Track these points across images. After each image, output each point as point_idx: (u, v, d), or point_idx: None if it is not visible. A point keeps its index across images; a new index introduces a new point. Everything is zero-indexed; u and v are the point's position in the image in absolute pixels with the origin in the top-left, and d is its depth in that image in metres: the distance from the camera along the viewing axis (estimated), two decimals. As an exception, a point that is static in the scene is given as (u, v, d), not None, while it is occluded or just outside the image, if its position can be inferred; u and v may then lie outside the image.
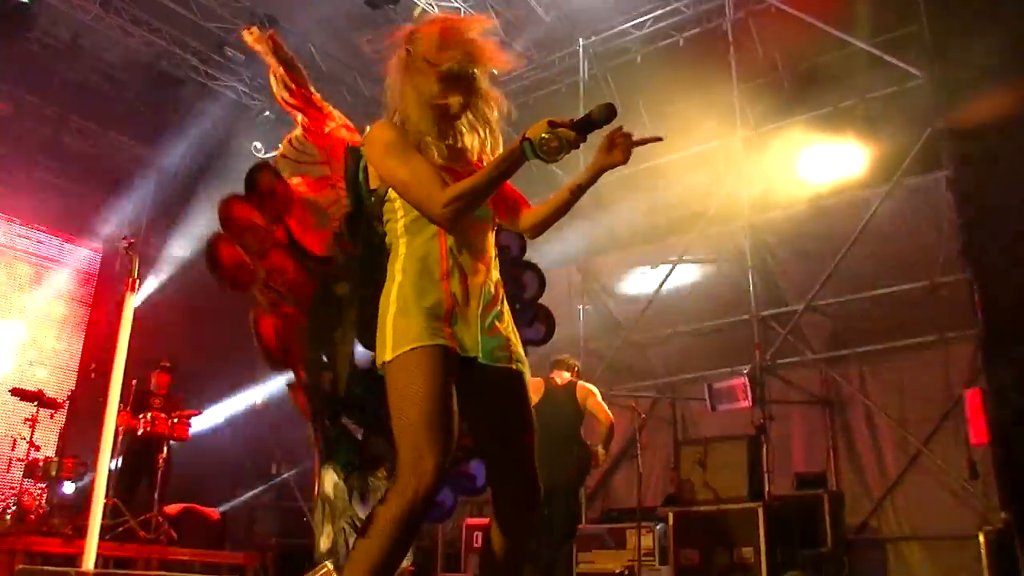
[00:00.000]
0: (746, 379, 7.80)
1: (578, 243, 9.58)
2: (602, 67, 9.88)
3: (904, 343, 7.71)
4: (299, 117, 2.71)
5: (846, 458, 8.00)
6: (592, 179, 2.43)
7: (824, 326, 8.40)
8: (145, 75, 10.06)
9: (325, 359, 2.50)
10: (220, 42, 9.71)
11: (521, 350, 2.38)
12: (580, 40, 9.73)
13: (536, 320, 2.97)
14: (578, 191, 2.45)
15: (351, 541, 2.41)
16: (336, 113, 2.75)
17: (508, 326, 2.37)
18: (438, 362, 2.15)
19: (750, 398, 7.74)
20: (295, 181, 2.62)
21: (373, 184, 2.39)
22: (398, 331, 2.18)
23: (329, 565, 3.83)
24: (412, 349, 2.15)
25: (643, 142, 2.40)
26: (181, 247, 10.54)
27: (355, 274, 2.53)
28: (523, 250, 3.01)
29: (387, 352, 2.18)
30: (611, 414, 6.09)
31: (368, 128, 2.40)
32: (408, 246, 2.30)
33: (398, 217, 2.32)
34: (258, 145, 10.29)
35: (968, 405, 6.76)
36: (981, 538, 5.42)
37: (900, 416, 7.71)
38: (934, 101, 7.50)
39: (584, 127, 2.22)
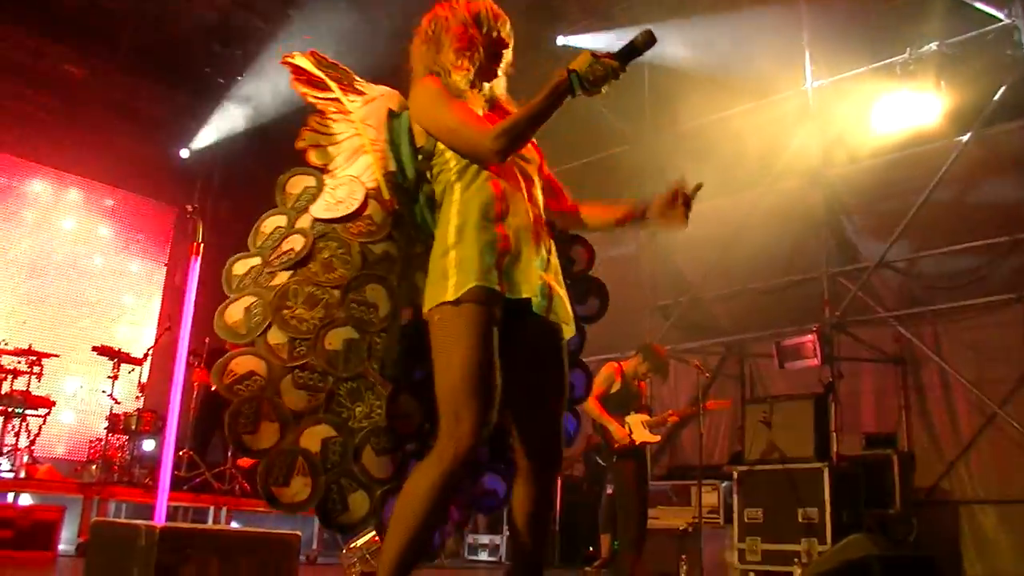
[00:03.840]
0: (815, 336, 7.67)
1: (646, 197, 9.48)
2: (663, 20, 9.64)
3: (981, 301, 7.45)
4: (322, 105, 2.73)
5: (918, 419, 7.80)
6: (639, 224, 2.55)
7: (897, 283, 8.17)
8: (210, 37, 10.19)
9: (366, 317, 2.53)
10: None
11: (569, 310, 2.38)
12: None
13: (589, 294, 2.92)
14: (622, 224, 2.55)
15: (350, 497, 2.45)
16: (376, 87, 2.75)
17: (557, 278, 2.38)
18: (486, 316, 2.17)
19: (819, 356, 7.62)
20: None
21: (420, 141, 2.42)
22: (454, 272, 2.20)
23: (373, 531, 3.92)
24: (466, 294, 2.16)
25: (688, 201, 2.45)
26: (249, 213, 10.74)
27: (401, 232, 2.57)
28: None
29: (447, 292, 2.19)
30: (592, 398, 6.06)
31: (412, 88, 2.43)
32: (462, 192, 2.31)
33: (451, 167, 2.34)
34: None
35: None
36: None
37: (976, 376, 7.47)
38: (1018, 46, 7.17)
39: (627, 55, 2.21)
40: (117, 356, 7.30)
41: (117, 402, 7.17)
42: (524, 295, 2.24)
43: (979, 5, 7.44)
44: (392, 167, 2.57)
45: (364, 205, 2.57)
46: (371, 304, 2.54)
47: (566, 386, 2.37)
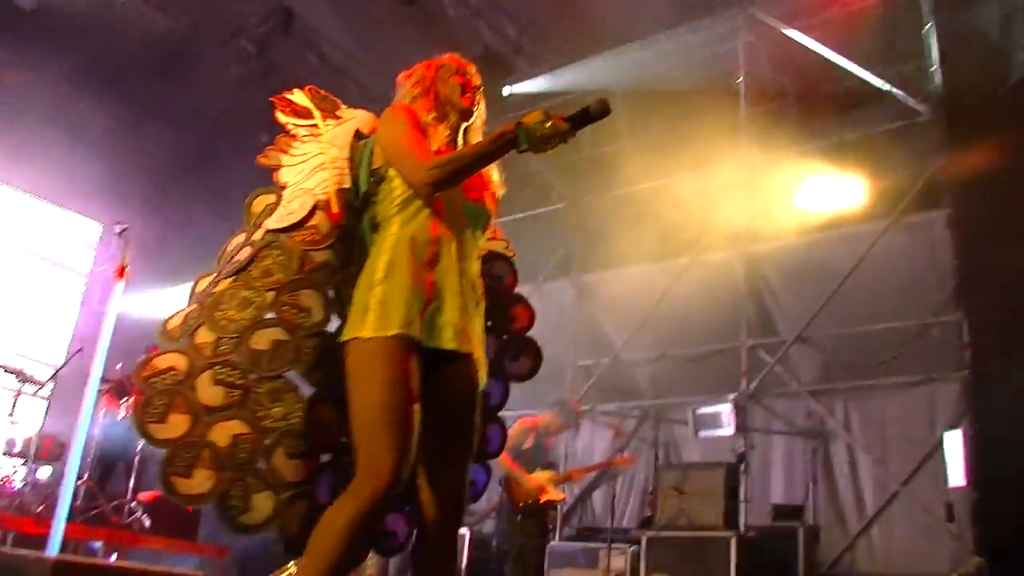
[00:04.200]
0: (732, 406, 7.79)
1: (573, 259, 9.59)
2: (612, 85, 9.86)
3: (891, 380, 7.69)
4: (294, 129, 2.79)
5: (825, 492, 7.96)
6: None
7: (813, 358, 8.39)
8: (162, 54, 10.06)
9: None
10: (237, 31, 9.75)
11: (483, 354, 2.43)
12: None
13: (523, 354, 2.99)
14: None
15: (254, 496, 2.43)
16: (353, 111, 2.84)
17: (478, 327, 2.42)
18: (405, 357, 2.19)
19: (734, 425, 7.73)
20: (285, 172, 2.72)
21: (377, 162, 2.48)
22: (376, 309, 2.22)
23: (292, 567, 3.83)
24: (384, 337, 2.18)
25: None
26: (181, 233, 10.52)
27: (344, 246, 2.61)
28: (515, 282, 3.03)
29: (364, 328, 2.21)
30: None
31: (383, 112, 2.59)
32: (400, 226, 2.35)
33: (395, 196, 2.38)
34: None
35: (949, 447, 6.76)
36: (953, 582, 5.42)
37: (882, 454, 7.69)
38: (938, 139, 7.51)
39: (580, 120, 2.25)
40: (20, 375, 7.01)
41: (15, 423, 6.88)
42: (444, 345, 2.25)
43: (901, 97, 7.79)
44: (347, 184, 2.63)
45: (311, 214, 2.60)
46: (304, 308, 2.56)
47: (475, 439, 2.39)
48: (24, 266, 10.35)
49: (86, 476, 6.66)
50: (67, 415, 7.11)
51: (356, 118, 2.78)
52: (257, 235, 2.63)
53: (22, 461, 6.86)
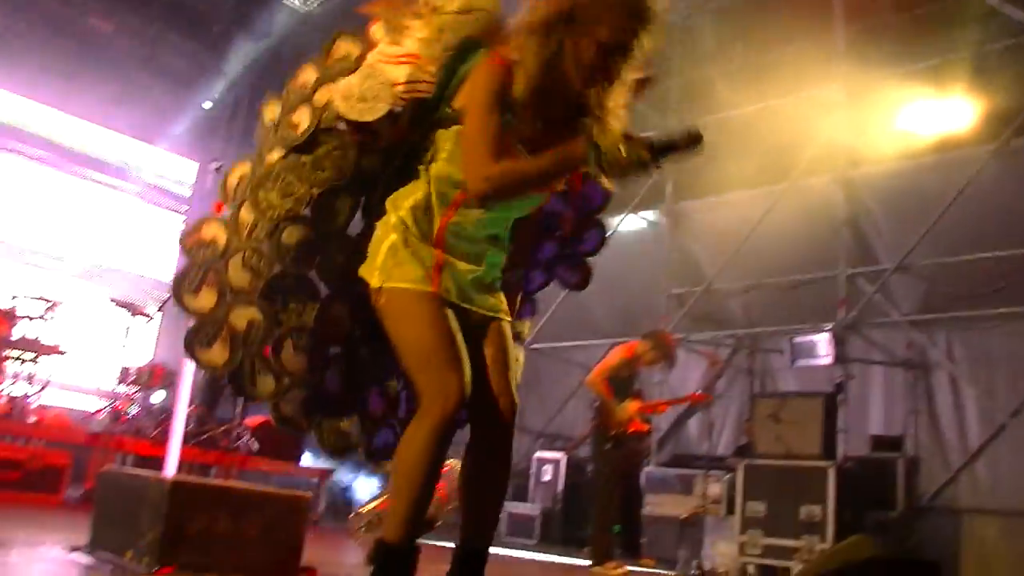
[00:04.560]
0: (830, 336, 7.64)
1: (665, 187, 9.43)
2: (700, 8, 9.56)
3: (997, 311, 7.40)
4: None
5: (926, 424, 7.78)
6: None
7: (914, 287, 8.12)
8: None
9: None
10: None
11: (505, 303, 2.38)
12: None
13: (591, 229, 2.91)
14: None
15: (259, 378, 2.54)
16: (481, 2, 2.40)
17: (493, 293, 2.36)
18: (435, 300, 2.19)
19: (832, 355, 7.59)
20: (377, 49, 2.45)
21: (459, 102, 2.26)
22: (390, 263, 2.20)
23: (381, 497, 3.96)
24: (404, 289, 2.18)
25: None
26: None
27: (389, 159, 2.50)
28: (606, 202, 2.87)
29: (376, 277, 2.21)
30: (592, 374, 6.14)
31: (488, 58, 2.22)
32: (436, 178, 2.26)
33: (447, 143, 2.26)
34: None
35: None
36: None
37: (987, 386, 7.45)
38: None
39: (663, 150, 1.99)
40: (132, 308, 7.32)
41: (130, 355, 7.21)
42: (453, 300, 2.23)
43: (1009, 13, 7.33)
44: (427, 96, 2.34)
45: (379, 121, 2.40)
46: (335, 212, 2.56)
47: (511, 360, 2.35)
48: (128, 205, 10.73)
49: (196, 403, 6.97)
50: (176, 345, 7.44)
51: (474, 14, 2.33)
52: (321, 104, 2.51)
53: (137, 389, 7.20)
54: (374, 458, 2.65)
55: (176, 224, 11.14)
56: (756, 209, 8.65)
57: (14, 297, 6.80)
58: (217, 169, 5.07)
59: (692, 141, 1.99)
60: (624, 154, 1.99)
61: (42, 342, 6.76)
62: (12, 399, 6.47)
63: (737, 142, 8.56)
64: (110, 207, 10.57)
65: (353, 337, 2.58)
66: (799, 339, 7.84)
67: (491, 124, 2.17)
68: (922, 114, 8.01)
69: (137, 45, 10.36)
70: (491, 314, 2.32)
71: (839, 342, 7.61)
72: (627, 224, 9.51)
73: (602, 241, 2.91)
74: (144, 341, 7.71)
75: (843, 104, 8.27)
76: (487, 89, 2.19)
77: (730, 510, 6.64)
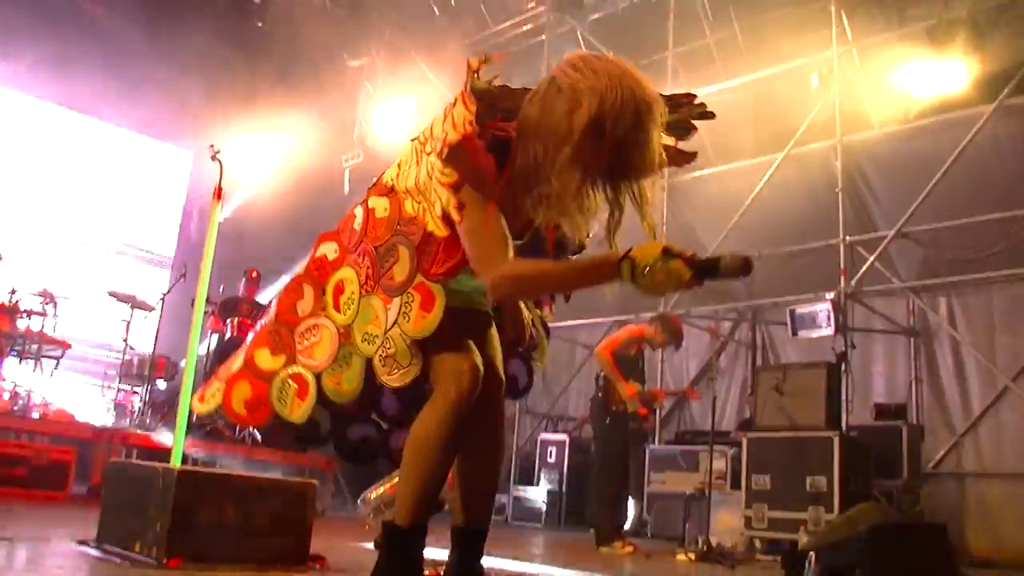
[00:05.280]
0: (830, 305, 7.62)
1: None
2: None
3: (998, 273, 7.38)
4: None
5: (929, 391, 7.79)
6: None
7: (914, 253, 8.09)
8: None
9: None
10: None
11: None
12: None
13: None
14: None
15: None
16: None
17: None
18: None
19: (833, 325, 7.58)
20: None
21: (453, 135, 1.95)
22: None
23: (388, 483, 3.95)
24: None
25: None
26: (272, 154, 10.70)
27: None
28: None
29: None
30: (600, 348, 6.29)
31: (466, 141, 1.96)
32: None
33: (439, 199, 2.05)
34: None
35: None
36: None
37: (989, 350, 7.44)
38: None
39: (706, 271, 1.82)
40: (131, 301, 7.31)
41: (131, 347, 7.20)
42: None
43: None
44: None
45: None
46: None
47: (493, 339, 2.36)
48: (125, 195, 10.68)
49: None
50: (177, 337, 7.42)
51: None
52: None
53: (139, 381, 7.20)
54: (388, 456, 2.62)
55: (174, 213, 11.10)
56: (754, 179, 8.61)
57: (13, 292, 6.78)
58: (214, 156, 5.03)
59: (741, 271, 1.84)
60: (663, 276, 1.82)
61: (47, 335, 6.76)
62: (16, 395, 6.47)
63: (733, 112, 8.51)
64: (108, 200, 10.51)
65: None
66: (800, 310, 7.83)
67: (493, 217, 2.01)
68: (919, 76, 7.94)
69: (131, 31, 10.26)
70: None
71: (840, 311, 7.59)
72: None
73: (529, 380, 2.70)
74: (145, 333, 7.67)
75: (837, 68, 8.20)
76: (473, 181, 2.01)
77: (735, 484, 6.66)
